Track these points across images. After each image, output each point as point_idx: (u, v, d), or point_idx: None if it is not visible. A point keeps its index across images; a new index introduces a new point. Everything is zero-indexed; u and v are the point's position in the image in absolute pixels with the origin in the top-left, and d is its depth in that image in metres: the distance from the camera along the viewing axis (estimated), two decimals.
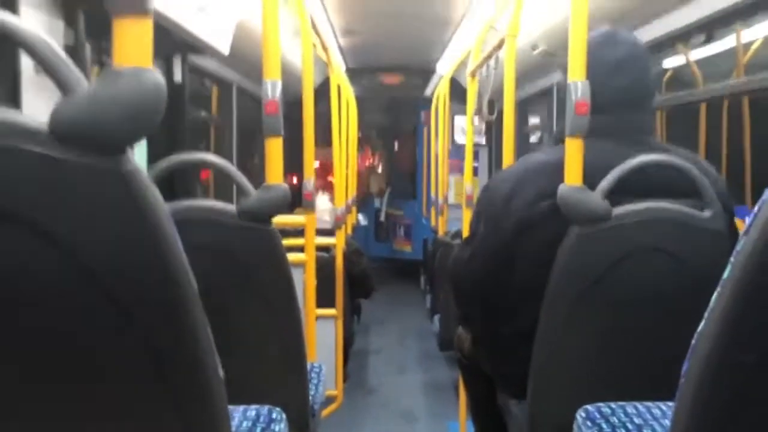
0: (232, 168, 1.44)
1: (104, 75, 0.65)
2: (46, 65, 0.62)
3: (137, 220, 0.65)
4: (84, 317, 0.68)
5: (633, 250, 1.31)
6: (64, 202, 0.64)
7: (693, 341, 0.74)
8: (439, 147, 5.14)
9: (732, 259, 0.70)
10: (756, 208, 0.68)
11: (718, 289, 0.70)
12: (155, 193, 0.68)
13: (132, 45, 0.67)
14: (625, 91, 1.42)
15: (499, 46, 2.33)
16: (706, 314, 0.72)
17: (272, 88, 1.49)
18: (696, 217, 1.32)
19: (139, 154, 2.68)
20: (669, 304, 1.31)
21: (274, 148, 1.53)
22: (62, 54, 0.62)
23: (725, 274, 0.70)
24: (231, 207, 1.39)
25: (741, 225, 1.48)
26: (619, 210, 1.31)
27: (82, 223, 0.64)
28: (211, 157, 1.50)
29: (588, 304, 1.33)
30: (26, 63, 1.81)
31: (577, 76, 1.33)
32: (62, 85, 0.63)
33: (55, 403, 0.71)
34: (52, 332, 0.68)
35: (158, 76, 0.66)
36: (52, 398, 0.71)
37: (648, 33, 2.71)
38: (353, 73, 6.06)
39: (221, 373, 0.77)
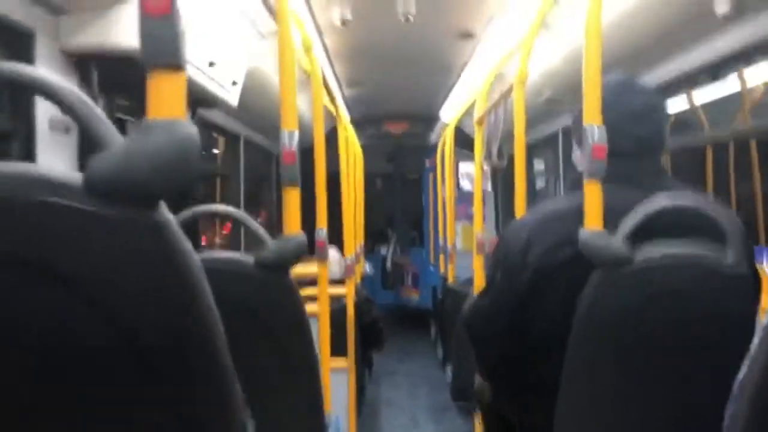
0: (250, 220, 1.44)
1: (139, 128, 0.65)
2: (81, 121, 0.62)
3: (170, 271, 0.65)
4: (114, 371, 0.66)
5: (657, 293, 1.29)
6: (98, 254, 0.63)
7: (735, 390, 0.72)
8: (446, 193, 5.15)
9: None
10: None
11: (761, 334, 0.68)
12: (187, 244, 0.67)
13: (166, 98, 0.67)
14: (644, 140, 1.43)
15: (508, 92, 2.35)
16: (748, 362, 0.70)
17: (290, 138, 1.50)
18: (718, 260, 1.31)
19: None
20: (695, 350, 1.28)
21: (292, 198, 1.53)
22: (97, 110, 0.63)
23: (766, 321, 0.68)
24: (249, 258, 1.38)
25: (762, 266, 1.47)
26: (641, 254, 1.29)
27: (115, 276, 0.64)
28: (231, 209, 1.51)
29: (612, 351, 1.30)
30: (41, 120, 1.83)
31: (592, 120, 1.33)
32: (97, 140, 0.63)
33: None
34: (81, 387, 0.66)
35: (192, 128, 0.66)
36: None
37: (653, 77, 2.74)
38: (358, 123, 6.13)
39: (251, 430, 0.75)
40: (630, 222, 1.30)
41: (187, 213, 1.40)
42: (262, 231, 1.41)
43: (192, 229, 2.85)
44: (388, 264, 7.58)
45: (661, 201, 1.31)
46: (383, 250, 7.66)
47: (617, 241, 1.28)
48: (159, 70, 0.67)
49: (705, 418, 0.73)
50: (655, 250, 1.30)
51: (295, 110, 1.52)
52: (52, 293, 0.62)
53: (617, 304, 1.29)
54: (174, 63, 0.67)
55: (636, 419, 1.34)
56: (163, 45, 0.66)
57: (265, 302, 1.37)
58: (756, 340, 0.70)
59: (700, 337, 1.28)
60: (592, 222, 1.31)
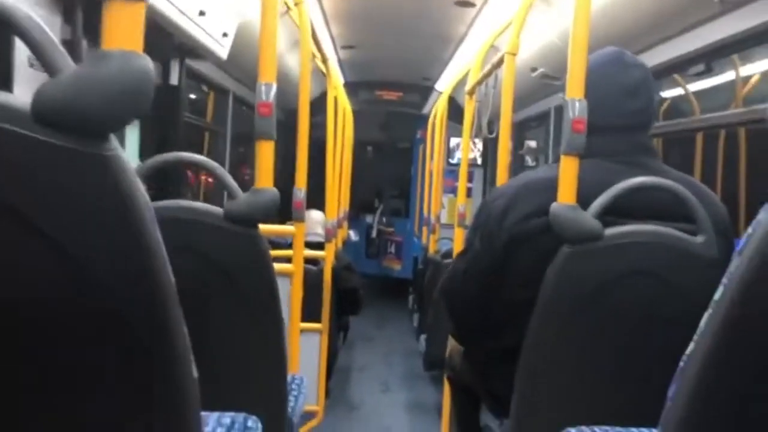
0: (221, 170, 1.41)
1: (92, 57, 0.63)
2: (33, 45, 0.60)
3: (116, 205, 0.63)
4: (55, 300, 0.65)
5: (623, 271, 1.29)
6: (42, 184, 0.61)
7: (681, 364, 0.72)
8: (434, 165, 5.13)
9: (724, 280, 0.68)
10: (750, 229, 0.67)
11: (709, 311, 0.68)
12: (136, 181, 0.65)
13: (123, 29, 0.65)
14: (636, 115, 1.42)
15: (499, 63, 2.33)
16: (695, 337, 0.70)
17: (267, 90, 1.47)
18: (688, 242, 1.31)
19: (131, 154, 2.67)
20: (657, 328, 1.29)
21: (266, 152, 1.51)
22: (50, 34, 0.61)
23: (716, 296, 0.68)
24: (218, 209, 1.37)
25: None
26: (611, 231, 1.29)
27: (59, 206, 0.62)
28: (200, 158, 1.48)
29: (575, 325, 1.31)
30: (20, 56, 1.79)
31: (575, 94, 1.32)
32: (49, 66, 0.61)
33: (16, 394, 0.68)
34: (17, 313, 0.65)
35: (147, 61, 0.64)
36: (12, 387, 0.68)
37: (649, 60, 2.72)
38: (351, 87, 6.07)
39: (195, 374, 0.74)
40: (604, 198, 1.29)
41: (154, 159, 1.38)
42: (232, 183, 1.39)
43: (163, 175, 2.82)
44: (373, 233, 7.58)
45: (639, 179, 1.31)
46: (369, 219, 7.66)
47: (588, 216, 1.27)
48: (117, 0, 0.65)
49: (664, 397, 0.73)
50: (625, 228, 1.30)
51: (274, 62, 1.49)
52: None
53: (584, 279, 1.29)
54: None
55: (595, 394, 1.35)
56: None
57: (232, 255, 1.36)
58: (705, 316, 0.70)
59: (663, 316, 1.29)
60: (565, 196, 1.30)
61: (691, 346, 0.71)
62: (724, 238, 1.36)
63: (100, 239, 0.64)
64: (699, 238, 1.31)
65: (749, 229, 0.68)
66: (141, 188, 0.67)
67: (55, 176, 0.62)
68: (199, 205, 1.39)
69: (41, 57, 0.61)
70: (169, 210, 1.32)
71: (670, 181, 1.32)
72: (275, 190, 1.44)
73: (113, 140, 0.64)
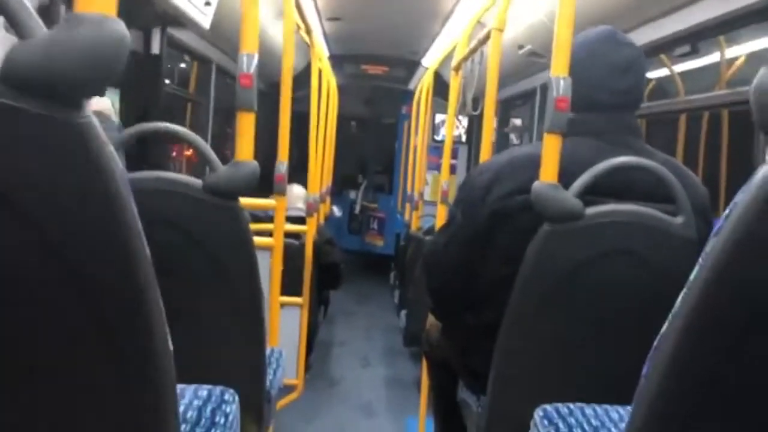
0: (201, 141, 1.39)
1: (64, 21, 0.61)
2: (3, 6, 0.58)
3: (89, 173, 0.62)
4: (24, 269, 0.64)
5: (603, 251, 1.30)
6: (11, 150, 0.60)
7: (655, 343, 0.72)
8: (419, 141, 5.11)
9: (700, 260, 0.68)
10: (727, 210, 0.67)
11: (684, 290, 0.69)
12: (110, 149, 0.64)
13: None
14: (626, 93, 1.41)
15: (485, 39, 2.31)
16: (669, 316, 0.70)
17: (248, 61, 1.45)
18: (667, 222, 1.32)
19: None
20: (635, 308, 1.30)
21: (246, 123, 1.49)
22: None
23: (692, 276, 0.69)
24: (197, 181, 1.35)
25: None
26: (591, 210, 1.29)
27: (29, 174, 0.60)
28: (179, 129, 1.46)
29: (553, 303, 1.32)
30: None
31: (559, 72, 1.31)
32: (19, 29, 0.59)
33: None
34: None
35: (121, 26, 0.62)
36: None
37: (633, 40, 2.71)
38: (336, 60, 5.99)
39: (170, 346, 0.74)
40: (585, 177, 1.30)
41: (133, 129, 1.35)
42: (212, 155, 1.38)
43: (143, 146, 2.78)
44: (356, 209, 7.57)
45: (620, 159, 1.31)
46: (352, 195, 7.63)
47: (569, 196, 1.27)
48: None
49: (639, 371, 0.74)
50: (605, 207, 1.30)
51: (256, 32, 1.46)
52: None
53: (564, 257, 1.30)
54: None
55: (571, 372, 1.37)
56: None
57: (211, 228, 1.35)
58: (680, 295, 0.71)
59: (641, 295, 1.30)
60: (547, 174, 1.30)
61: (665, 325, 0.71)
62: (703, 220, 1.37)
63: (70, 209, 0.63)
64: (678, 219, 1.32)
65: (726, 210, 0.68)
66: (115, 158, 0.65)
67: (24, 143, 0.60)
68: (177, 176, 1.38)
69: (11, 19, 0.59)
70: (147, 181, 1.31)
71: (651, 161, 1.33)
72: (255, 162, 1.42)
73: (86, 107, 0.62)
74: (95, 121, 0.63)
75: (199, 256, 1.34)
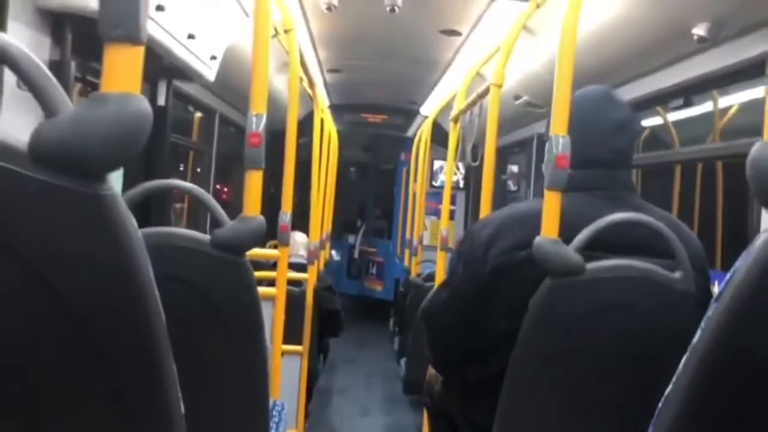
0: (208, 196, 1.42)
1: (90, 99, 0.64)
2: (32, 85, 0.61)
3: (110, 246, 0.64)
4: (46, 338, 0.66)
5: (604, 305, 1.32)
6: (38, 223, 0.62)
7: (660, 405, 0.74)
8: (417, 187, 5.16)
9: (702, 325, 0.70)
10: (728, 276, 0.69)
11: (687, 354, 0.70)
12: (131, 220, 0.66)
13: (122, 71, 0.66)
14: (621, 152, 1.46)
15: (484, 94, 2.36)
16: (674, 379, 0.72)
17: (257, 120, 1.49)
18: (667, 277, 1.34)
19: (115, 175, 2.66)
20: (636, 362, 1.31)
21: (254, 181, 1.52)
22: (49, 75, 0.62)
23: (695, 340, 0.70)
24: (205, 237, 1.37)
25: (713, 289, 1.50)
26: (592, 265, 1.31)
27: (53, 245, 0.63)
28: (188, 185, 1.49)
29: (556, 356, 1.33)
30: (9, 76, 1.79)
31: (559, 130, 1.35)
32: (47, 106, 0.62)
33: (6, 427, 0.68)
34: (11, 351, 0.65)
35: (145, 103, 0.66)
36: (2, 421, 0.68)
37: (628, 93, 2.78)
38: (337, 109, 6.09)
39: (182, 409, 0.75)
40: (586, 233, 1.32)
41: (141, 187, 1.38)
42: (219, 210, 1.40)
43: (148, 202, 2.81)
44: (355, 253, 7.57)
45: (620, 215, 1.34)
46: (351, 239, 7.65)
47: (570, 250, 1.30)
48: (116, 42, 0.66)
49: (640, 426, 0.75)
50: (607, 262, 1.32)
51: (265, 93, 1.51)
52: None
53: (566, 311, 1.31)
54: (132, 37, 0.66)
55: (574, 428, 1.37)
56: (121, 18, 0.65)
57: (218, 283, 1.36)
58: (683, 359, 0.72)
59: (642, 350, 1.31)
60: (549, 229, 1.32)
61: (669, 388, 0.72)
62: (700, 274, 1.39)
63: (92, 277, 0.65)
64: (677, 274, 1.34)
65: (727, 275, 0.70)
66: (135, 227, 0.68)
67: (49, 214, 0.63)
68: (185, 232, 1.40)
69: (40, 98, 0.62)
70: (156, 237, 1.33)
71: (650, 217, 1.35)
72: (262, 218, 1.45)
73: (109, 180, 0.65)
74: (117, 192, 0.66)
75: (205, 312, 1.35)
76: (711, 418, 0.66)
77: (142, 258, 0.68)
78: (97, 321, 0.65)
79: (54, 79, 0.63)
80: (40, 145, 0.61)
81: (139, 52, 0.67)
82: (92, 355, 0.66)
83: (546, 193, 1.35)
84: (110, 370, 0.67)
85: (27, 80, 0.62)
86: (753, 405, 0.65)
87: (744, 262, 0.68)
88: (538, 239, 1.32)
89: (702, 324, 0.70)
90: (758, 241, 0.66)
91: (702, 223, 2.99)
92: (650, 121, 3.17)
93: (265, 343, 1.45)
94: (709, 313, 0.70)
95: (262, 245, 3.25)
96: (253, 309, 1.40)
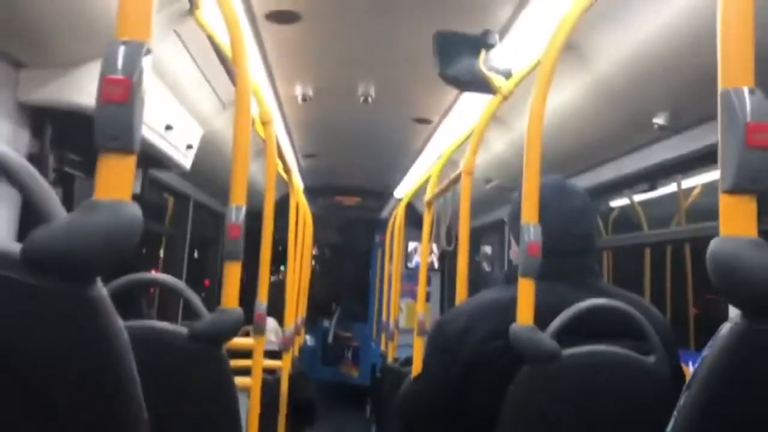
0: (188, 290, 1.43)
1: (84, 206, 0.66)
2: (27, 193, 0.63)
3: (97, 345, 0.65)
4: None
5: (582, 390, 1.33)
6: (27, 324, 0.63)
7: None
8: (393, 269, 5.17)
9: (675, 413, 0.72)
10: (696, 365, 0.71)
11: None
12: (117, 319, 0.68)
13: (115, 179, 0.69)
14: (581, 239, 1.50)
15: (456, 180, 2.43)
16: None
17: (237, 212, 1.52)
18: (642, 361, 1.36)
19: None
20: None
21: (233, 272, 1.53)
22: (44, 183, 0.64)
23: (668, 428, 0.72)
24: (183, 330, 1.37)
25: (685, 369, 1.53)
26: (568, 351, 1.33)
27: (42, 347, 0.63)
28: (167, 278, 1.50)
29: None
30: None
31: (530, 219, 1.39)
32: (41, 213, 0.64)
33: None
34: None
35: (136, 210, 0.68)
36: None
37: (596, 177, 2.87)
38: (311, 192, 6.15)
39: None
40: (560, 319, 1.34)
41: (122, 280, 1.38)
42: (198, 302, 1.40)
43: (128, 294, 2.78)
44: (330, 338, 7.46)
45: (593, 301, 1.37)
46: (326, 323, 7.55)
47: (546, 337, 1.32)
48: (111, 152, 0.69)
49: None
50: (583, 348, 1.34)
51: (245, 186, 1.54)
52: None
53: (543, 398, 1.32)
54: (127, 147, 0.69)
55: None
56: (116, 130, 0.68)
57: (195, 376, 1.35)
58: None
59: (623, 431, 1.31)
60: (524, 317, 1.34)
61: None
62: (668, 352, 1.41)
63: (78, 375, 0.65)
64: (651, 358, 1.37)
65: (696, 365, 0.72)
66: (120, 325, 0.69)
67: (40, 316, 0.64)
68: (164, 325, 1.39)
69: (34, 204, 0.64)
70: (137, 330, 1.32)
71: (620, 302, 1.39)
72: (240, 310, 1.45)
73: (98, 281, 0.66)
74: (105, 294, 0.67)
75: (181, 405, 1.33)
76: None
77: (127, 355, 0.68)
78: (81, 419, 0.65)
79: (47, 186, 0.65)
80: (33, 251, 0.63)
81: (132, 160, 0.70)
82: None
83: (520, 281, 1.37)
84: None
85: (22, 189, 0.64)
86: None
87: (711, 351, 0.70)
88: (514, 326, 1.34)
89: (675, 412, 0.72)
90: (722, 331, 0.69)
91: (674, 302, 3.04)
92: (619, 203, 3.27)
93: None
94: (681, 401, 0.72)
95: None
96: (231, 402, 1.38)
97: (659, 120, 2.18)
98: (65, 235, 0.63)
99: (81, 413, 0.66)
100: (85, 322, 0.64)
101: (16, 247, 0.63)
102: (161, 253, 4.22)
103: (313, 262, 6.36)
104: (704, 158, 2.23)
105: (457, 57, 2.01)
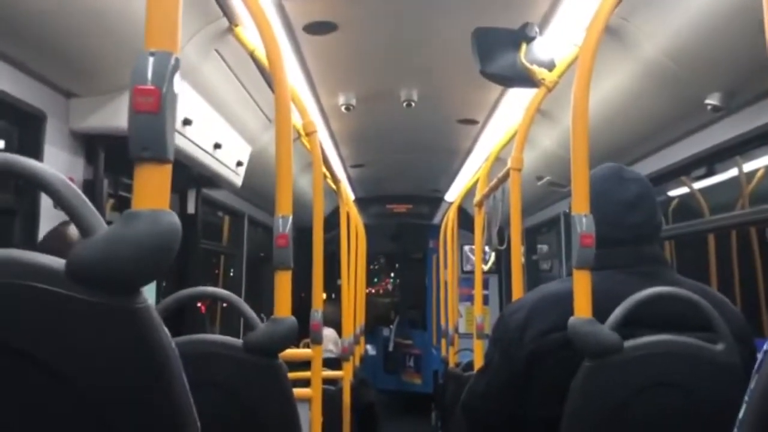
0: (239, 300, 1.44)
1: (123, 217, 0.67)
2: (67, 209, 0.64)
3: (145, 357, 0.65)
4: None
5: (645, 384, 1.28)
6: (75, 338, 0.64)
7: None
8: (449, 274, 5.13)
9: (746, 398, 0.68)
10: (765, 347, 0.68)
11: (735, 430, 0.68)
12: (164, 331, 0.68)
13: (151, 189, 0.69)
14: (639, 227, 1.44)
15: (505, 178, 2.39)
16: None
17: (283, 223, 1.53)
18: (708, 350, 1.30)
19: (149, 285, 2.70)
20: None
21: (283, 281, 1.54)
22: (83, 197, 0.65)
23: (740, 415, 0.68)
24: (238, 341, 1.38)
25: None
26: (630, 343, 1.29)
27: (90, 360, 0.64)
28: (220, 291, 1.52)
29: None
30: (46, 198, 1.87)
31: (580, 210, 1.35)
32: (82, 227, 0.65)
33: None
34: None
35: (174, 218, 0.69)
36: None
37: (651, 165, 2.79)
38: (362, 202, 6.17)
39: None
40: (620, 310, 1.30)
41: (174, 296, 1.41)
42: (251, 314, 1.41)
43: (182, 309, 2.84)
44: (390, 346, 7.44)
45: (654, 289, 1.32)
46: (386, 332, 7.54)
47: (606, 329, 1.27)
48: (145, 162, 0.70)
49: None
50: (645, 339, 1.29)
51: (290, 196, 1.55)
52: (25, 373, 0.63)
53: (607, 392, 1.28)
54: (160, 157, 0.70)
55: None
56: (149, 140, 0.69)
57: (252, 387, 1.36)
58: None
59: (692, 427, 1.26)
60: (581, 310, 1.31)
61: None
62: (744, 344, 1.35)
63: (127, 389, 0.66)
64: (719, 346, 1.31)
65: (765, 346, 0.68)
66: (168, 337, 0.69)
67: (86, 329, 0.65)
68: (217, 337, 1.41)
69: (75, 219, 0.65)
70: (189, 344, 1.34)
71: (685, 290, 1.33)
72: (294, 318, 1.45)
73: (142, 293, 0.67)
74: (150, 304, 0.68)
75: (241, 416, 1.34)
76: None
77: (176, 368, 0.69)
78: (132, 425, 0.66)
79: (88, 201, 0.67)
80: (77, 265, 0.64)
81: (168, 169, 0.71)
82: None
83: (575, 273, 1.34)
84: None
85: (62, 204, 0.65)
86: None
87: None
88: (572, 320, 1.30)
89: (746, 397, 0.68)
90: None
91: (743, 290, 2.91)
92: (677, 192, 3.17)
93: None
94: (752, 385, 0.68)
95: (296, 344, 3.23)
96: (290, 412, 1.39)
97: (712, 100, 2.10)
98: (105, 246, 0.64)
99: (132, 426, 0.66)
100: (130, 334, 0.65)
101: (61, 263, 0.64)
102: (220, 271, 4.29)
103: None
104: (765, 137, 2.14)
105: (498, 53, 1.99)
